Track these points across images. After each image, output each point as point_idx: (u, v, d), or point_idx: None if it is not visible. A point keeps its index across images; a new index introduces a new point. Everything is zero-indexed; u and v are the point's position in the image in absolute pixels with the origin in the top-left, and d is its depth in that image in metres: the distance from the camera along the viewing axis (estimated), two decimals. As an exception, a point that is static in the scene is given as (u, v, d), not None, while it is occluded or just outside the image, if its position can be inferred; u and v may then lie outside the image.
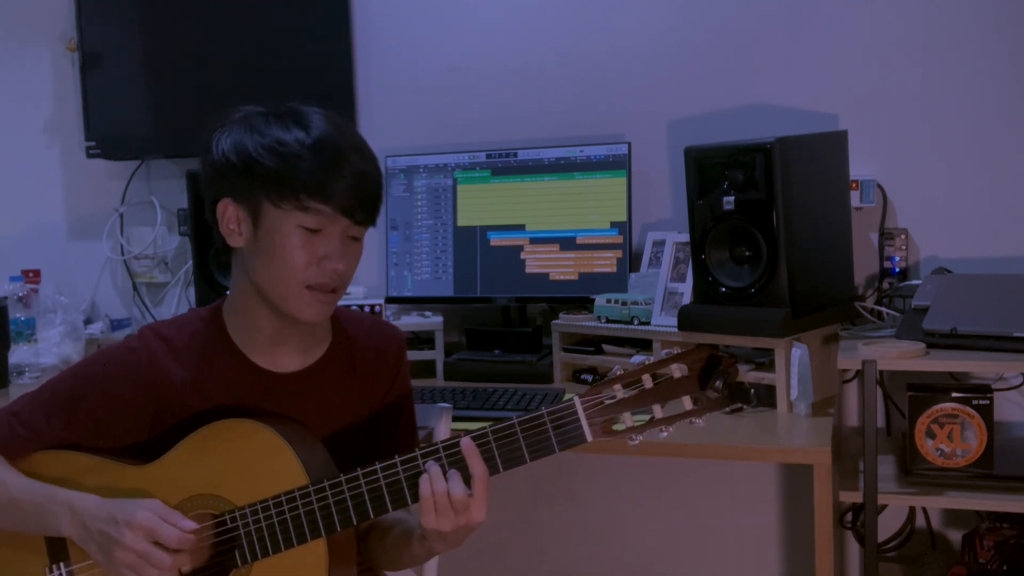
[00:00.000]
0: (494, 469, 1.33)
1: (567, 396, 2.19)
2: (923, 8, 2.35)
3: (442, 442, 1.34)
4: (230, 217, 1.41)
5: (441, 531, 1.32)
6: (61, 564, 1.43)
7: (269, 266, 1.39)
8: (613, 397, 1.30)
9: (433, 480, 1.31)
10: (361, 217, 1.40)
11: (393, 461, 1.35)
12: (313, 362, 1.50)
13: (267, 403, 1.46)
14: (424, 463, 1.33)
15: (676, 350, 1.31)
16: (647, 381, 1.30)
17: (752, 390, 1.29)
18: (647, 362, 1.31)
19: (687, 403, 1.30)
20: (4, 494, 1.40)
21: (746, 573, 2.60)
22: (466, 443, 1.32)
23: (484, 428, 1.33)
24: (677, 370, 1.29)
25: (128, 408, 1.44)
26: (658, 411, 1.30)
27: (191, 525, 1.34)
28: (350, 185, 1.37)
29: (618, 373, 1.31)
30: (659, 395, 1.30)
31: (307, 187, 1.35)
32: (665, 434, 1.31)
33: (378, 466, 1.35)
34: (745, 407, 2.03)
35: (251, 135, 1.38)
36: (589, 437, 1.30)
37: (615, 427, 1.30)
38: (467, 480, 1.31)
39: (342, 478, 1.35)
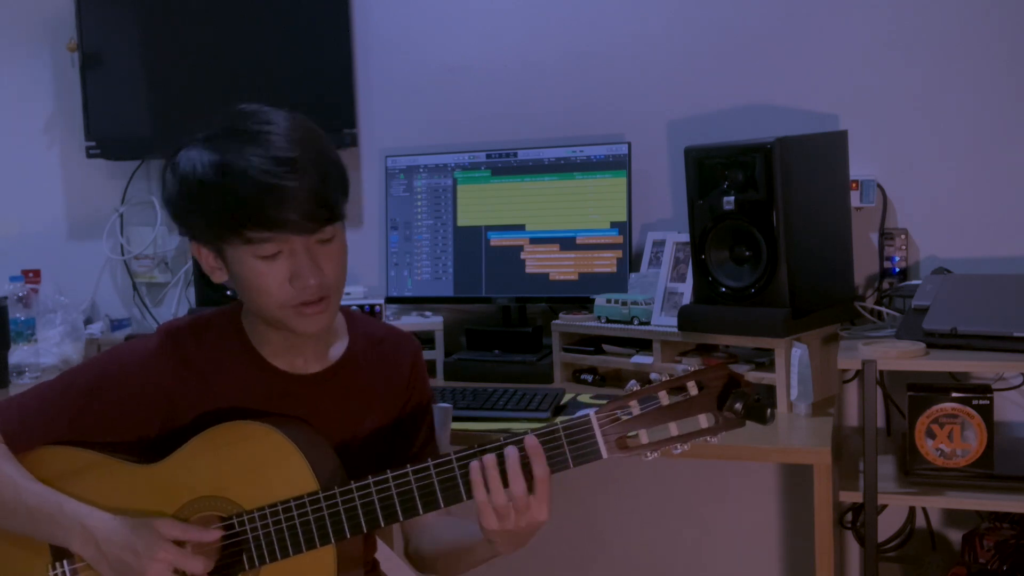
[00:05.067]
0: (504, 484, 1.30)
1: (568, 396, 2.20)
2: (923, 8, 2.35)
3: (483, 447, 1.31)
4: (204, 256, 1.41)
5: (505, 529, 1.28)
6: (64, 562, 1.42)
7: (249, 296, 1.38)
8: (629, 414, 1.28)
9: (489, 480, 1.27)
10: (315, 226, 1.33)
11: (405, 471, 1.34)
12: (329, 365, 1.50)
13: (281, 405, 1.45)
14: (438, 471, 1.32)
15: (688, 368, 1.30)
16: (663, 398, 1.28)
17: (770, 410, 1.27)
18: (664, 378, 1.29)
19: (703, 420, 1.28)
20: (13, 497, 1.38)
21: (746, 573, 2.60)
22: (530, 441, 1.27)
23: (497, 442, 1.31)
24: (694, 388, 1.27)
25: (141, 406, 1.43)
26: (673, 428, 1.28)
27: (214, 536, 1.34)
28: (294, 206, 1.29)
29: (634, 389, 1.29)
30: (675, 413, 1.28)
31: (247, 220, 1.29)
32: (679, 450, 1.29)
33: (389, 474, 1.34)
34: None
35: (188, 173, 1.34)
36: (605, 454, 1.28)
37: (630, 443, 1.28)
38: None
39: (352, 485, 1.34)
